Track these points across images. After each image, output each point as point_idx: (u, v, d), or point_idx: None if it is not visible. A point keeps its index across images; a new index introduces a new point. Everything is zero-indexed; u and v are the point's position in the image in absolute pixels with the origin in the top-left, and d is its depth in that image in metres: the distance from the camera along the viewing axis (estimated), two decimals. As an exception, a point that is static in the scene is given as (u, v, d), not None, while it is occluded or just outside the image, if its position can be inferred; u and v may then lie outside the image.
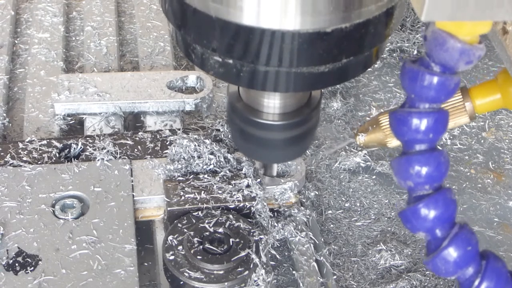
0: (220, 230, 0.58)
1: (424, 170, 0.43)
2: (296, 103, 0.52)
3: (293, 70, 0.42)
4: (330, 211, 0.68)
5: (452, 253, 0.44)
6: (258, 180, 0.63)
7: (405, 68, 0.42)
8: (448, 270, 0.44)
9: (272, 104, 0.51)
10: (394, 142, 0.63)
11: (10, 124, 0.74)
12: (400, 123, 0.43)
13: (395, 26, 0.44)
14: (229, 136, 0.67)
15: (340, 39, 0.41)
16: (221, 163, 0.64)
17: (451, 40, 0.39)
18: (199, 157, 0.64)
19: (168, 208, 0.60)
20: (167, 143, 0.67)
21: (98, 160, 0.64)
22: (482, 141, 0.77)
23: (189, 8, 0.42)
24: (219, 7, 0.40)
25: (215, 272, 0.55)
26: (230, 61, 0.43)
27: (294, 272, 0.60)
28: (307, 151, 0.73)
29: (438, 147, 0.44)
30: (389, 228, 0.66)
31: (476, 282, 0.44)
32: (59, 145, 0.66)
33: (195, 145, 0.64)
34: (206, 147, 0.64)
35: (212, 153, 0.64)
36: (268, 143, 0.54)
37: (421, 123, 0.42)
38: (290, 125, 0.52)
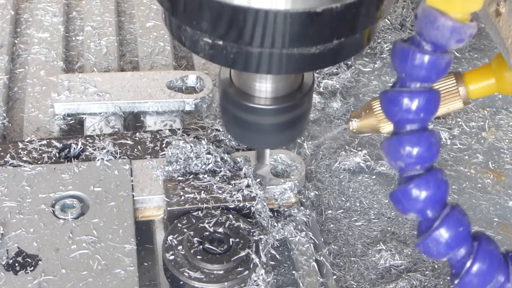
0: (220, 230, 0.58)
1: (415, 151, 0.42)
2: (288, 87, 0.51)
3: (283, 51, 0.42)
4: (330, 211, 0.68)
5: (443, 233, 0.43)
6: (258, 180, 0.63)
7: (395, 47, 0.41)
8: (440, 251, 0.43)
9: (264, 88, 0.51)
10: (387, 128, 0.62)
11: (10, 124, 0.74)
12: (391, 103, 0.42)
13: (387, 8, 0.43)
14: (229, 136, 0.67)
15: (331, 20, 0.40)
16: (219, 163, 0.64)
17: (442, 18, 0.38)
18: (197, 157, 0.64)
19: (168, 208, 0.60)
20: (164, 145, 0.67)
21: (98, 160, 0.64)
22: (482, 141, 0.77)
23: None
24: None
25: (215, 272, 0.55)
26: (220, 42, 0.43)
27: (294, 272, 0.60)
28: (307, 151, 0.73)
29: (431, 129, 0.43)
30: (389, 228, 0.66)
31: (468, 264, 0.44)
32: (59, 145, 0.66)
33: (191, 146, 0.64)
34: (203, 147, 0.64)
35: (209, 153, 0.64)
36: (261, 128, 0.53)
37: (412, 103, 0.41)
38: (282, 109, 0.51)
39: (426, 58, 0.40)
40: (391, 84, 0.84)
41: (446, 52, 0.40)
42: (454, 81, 0.59)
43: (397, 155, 0.43)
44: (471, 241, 0.44)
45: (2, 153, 0.65)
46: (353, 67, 0.83)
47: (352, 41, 0.44)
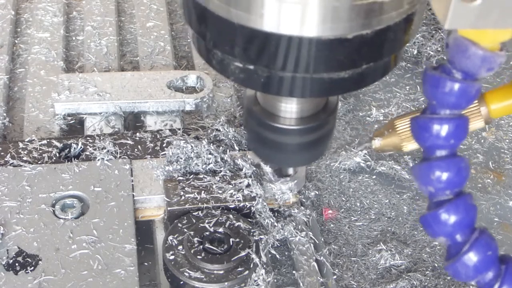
0: (220, 230, 0.58)
1: (444, 176, 0.43)
2: (313, 108, 0.52)
3: (313, 75, 0.43)
4: (330, 211, 0.68)
5: (472, 257, 0.44)
6: (258, 180, 0.63)
7: (426, 75, 0.42)
8: (468, 274, 0.45)
9: (290, 109, 0.52)
10: (409, 146, 0.63)
11: (10, 124, 0.74)
12: (422, 129, 0.43)
13: (414, 33, 0.44)
14: (229, 136, 0.67)
15: (361, 45, 0.41)
16: (219, 163, 0.64)
17: (473, 48, 0.39)
18: (197, 157, 0.64)
19: (168, 208, 0.60)
20: (164, 145, 0.67)
21: (98, 160, 0.64)
22: (482, 141, 0.77)
23: (211, 14, 0.42)
24: (241, 13, 0.40)
25: (215, 272, 0.55)
26: (251, 66, 0.43)
27: (294, 272, 0.60)
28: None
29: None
30: (389, 228, 0.66)
31: (496, 286, 0.45)
32: (59, 145, 0.66)
33: (192, 146, 0.64)
34: (203, 146, 0.64)
35: (210, 153, 0.64)
36: (284, 147, 0.54)
37: (442, 129, 0.43)
38: (307, 130, 0.52)
39: (457, 86, 0.41)
40: (391, 84, 0.85)
41: (476, 80, 0.41)
42: (476, 101, 0.60)
43: (427, 180, 0.44)
44: (498, 264, 0.45)
45: (2, 153, 0.65)
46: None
47: (381, 65, 0.44)
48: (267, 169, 0.63)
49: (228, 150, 0.65)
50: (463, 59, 0.40)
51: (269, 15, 0.40)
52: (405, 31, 0.43)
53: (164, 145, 0.67)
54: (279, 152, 0.55)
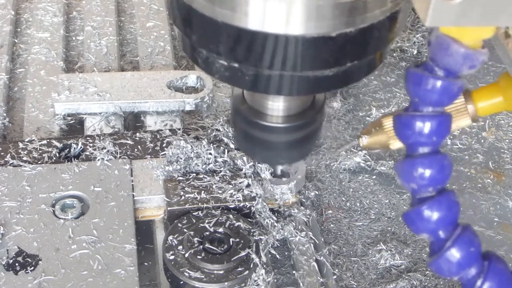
0: (220, 230, 0.58)
1: (427, 173, 0.44)
2: (300, 105, 0.52)
3: (298, 74, 0.43)
4: (330, 211, 0.68)
5: (455, 254, 0.44)
6: (258, 180, 0.63)
7: (409, 72, 0.42)
8: (451, 270, 0.45)
9: (277, 107, 0.52)
10: (396, 144, 0.63)
11: (10, 124, 0.74)
12: (404, 126, 0.44)
13: (399, 31, 0.44)
14: (229, 136, 0.67)
15: (345, 44, 0.41)
16: (219, 163, 0.64)
17: (455, 45, 0.39)
18: (197, 157, 0.64)
19: (168, 208, 0.60)
20: (164, 145, 0.67)
21: (98, 160, 0.64)
22: (482, 141, 0.77)
23: (195, 13, 0.42)
24: (225, 12, 0.40)
25: (215, 272, 0.55)
26: (236, 64, 0.43)
27: (294, 272, 0.60)
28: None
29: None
30: (389, 228, 0.66)
31: (479, 283, 0.45)
32: (59, 145, 0.66)
33: (191, 146, 0.64)
34: (203, 146, 0.64)
35: (209, 153, 0.64)
36: (272, 145, 0.54)
37: (425, 126, 0.43)
38: (294, 128, 0.52)
39: (439, 83, 0.41)
40: (391, 84, 0.85)
41: (458, 77, 0.41)
42: (463, 99, 0.60)
43: (410, 177, 0.44)
44: (481, 260, 0.45)
45: (2, 153, 0.65)
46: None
47: (365, 63, 0.44)
48: (267, 173, 0.63)
49: (226, 150, 0.66)
50: (445, 57, 0.40)
51: (254, 13, 0.40)
52: (390, 29, 0.43)
53: (164, 145, 0.67)
54: (267, 150, 0.55)
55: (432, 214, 0.44)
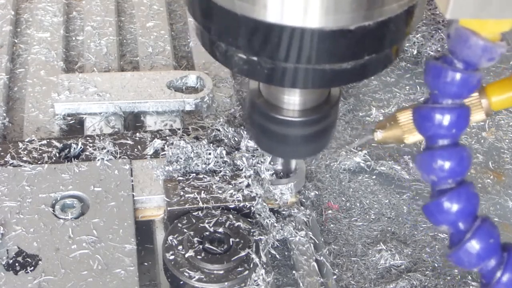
0: (220, 230, 0.58)
1: (447, 165, 0.44)
2: (316, 99, 0.53)
3: (315, 66, 0.43)
4: (330, 211, 0.68)
5: (475, 245, 0.45)
6: (258, 180, 0.63)
7: (428, 65, 0.43)
8: (471, 262, 0.45)
9: (293, 101, 0.52)
10: (411, 138, 0.64)
11: (10, 124, 0.74)
12: (424, 118, 0.44)
13: (415, 24, 0.45)
14: (229, 136, 0.67)
15: (363, 37, 0.41)
16: (219, 163, 0.64)
17: (474, 38, 0.40)
18: (197, 157, 0.64)
19: (168, 208, 0.60)
20: (164, 145, 0.67)
21: (98, 160, 0.64)
22: (482, 141, 0.77)
23: (214, 6, 0.42)
24: (244, 4, 0.40)
25: (215, 272, 0.55)
26: (255, 58, 0.43)
27: (294, 272, 0.60)
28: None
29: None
30: (389, 228, 0.66)
31: (498, 274, 0.45)
32: (59, 145, 0.66)
33: (191, 146, 0.64)
34: (203, 146, 0.64)
35: (209, 153, 0.64)
36: (288, 139, 0.54)
37: (444, 119, 0.43)
38: (310, 122, 0.53)
39: (458, 75, 0.42)
40: (391, 84, 0.85)
41: (477, 69, 0.41)
42: (477, 93, 0.60)
43: (430, 169, 0.45)
44: (501, 252, 0.46)
45: (2, 153, 0.65)
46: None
47: (382, 57, 0.45)
48: (266, 174, 0.63)
49: (230, 151, 0.66)
50: (464, 49, 0.41)
51: (273, 6, 0.40)
52: (406, 23, 0.43)
53: (164, 145, 0.67)
54: (282, 144, 0.55)
55: (452, 206, 0.44)
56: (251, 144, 0.64)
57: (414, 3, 0.43)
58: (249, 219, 0.60)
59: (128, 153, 0.66)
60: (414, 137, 0.62)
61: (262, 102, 0.53)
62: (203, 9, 0.44)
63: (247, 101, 0.55)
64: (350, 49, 0.42)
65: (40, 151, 0.65)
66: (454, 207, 0.44)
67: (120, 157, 0.65)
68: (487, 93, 0.60)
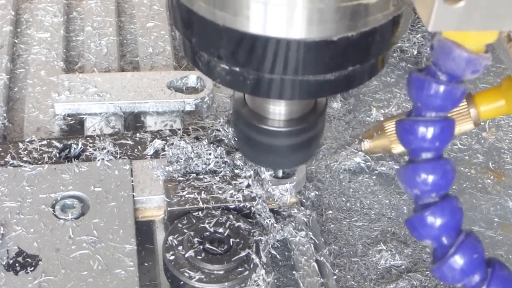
0: (220, 230, 0.58)
1: (430, 178, 0.43)
2: (302, 109, 0.52)
3: (299, 78, 0.43)
4: (330, 211, 0.68)
5: (458, 260, 0.44)
6: (259, 180, 0.63)
7: (411, 77, 0.42)
8: (455, 277, 0.44)
9: (278, 111, 0.52)
10: (398, 148, 0.63)
11: (10, 124, 0.74)
12: (407, 131, 0.43)
13: (400, 34, 0.44)
14: (229, 136, 0.67)
15: (346, 48, 0.41)
16: (219, 163, 0.64)
17: (458, 50, 0.39)
18: (197, 158, 0.64)
19: (168, 208, 0.60)
20: (165, 146, 0.67)
21: (98, 160, 0.64)
22: (482, 141, 0.77)
23: (196, 16, 0.42)
24: (226, 15, 0.40)
25: (215, 272, 0.55)
26: (237, 69, 0.43)
27: (294, 272, 0.60)
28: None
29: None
30: (389, 228, 0.66)
31: None
32: (59, 145, 0.66)
33: (192, 147, 0.64)
34: (204, 146, 0.64)
35: (209, 153, 0.64)
36: (274, 149, 0.54)
37: (428, 132, 0.42)
38: (296, 132, 0.52)
39: (442, 88, 0.41)
40: (391, 84, 0.85)
41: (461, 82, 0.41)
42: (465, 103, 0.60)
43: (413, 183, 0.44)
44: (485, 267, 0.45)
45: (2, 153, 0.65)
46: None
47: (367, 67, 0.44)
48: (266, 174, 0.63)
49: (230, 151, 0.66)
50: (447, 61, 0.40)
51: (255, 17, 0.40)
52: (392, 33, 0.43)
53: (164, 145, 0.67)
54: (268, 154, 0.55)
55: (435, 221, 0.44)
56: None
57: (399, 13, 0.42)
58: (249, 220, 0.60)
59: (128, 153, 0.66)
60: (401, 147, 0.62)
61: (247, 112, 0.53)
62: (184, 19, 0.44)
63: (232, 110, 0.55)
64: (333, 60, 0.42)
65: (40, 151, 0.65)
66: (438, 222, 0.43)
67: (120, 157, 0.65)
68: (475, 102, 0.59)
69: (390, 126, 0.63)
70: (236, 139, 0.58)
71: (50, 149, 0.66)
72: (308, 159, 0.58)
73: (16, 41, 0.86)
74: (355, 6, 0.39)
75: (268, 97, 0.46)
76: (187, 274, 0.55)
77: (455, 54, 0.39)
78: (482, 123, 0.78)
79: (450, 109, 0.42)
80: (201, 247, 0.57)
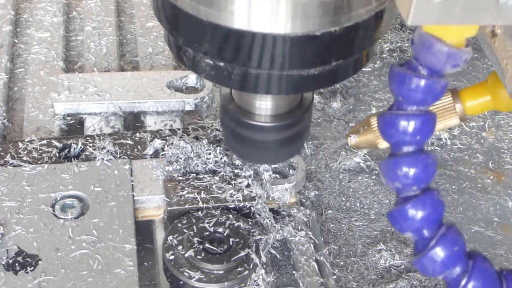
0: (220, 230, 0.58)
1: (411, 172, 0.43)
2: (288, 104, 0.52)
3: (283, 73, 0.43)
4: (330, 211, 0.68)
5: (439, 253, 0.44)
6: (258, 180, 0.63)
7: (392, 71, 0.42)
8: (435, 270, 0.44)
9: (264, 106, 0.52)
10: (384, 144, 0.63)
11: (10, 124, 0.74)
12: (388, 125, 0.43)
13: (384, 29, 0.44)
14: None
15: (329, 42, 0.41)
16: (219, 163, 0.64)
17: (438, 44, 0.39)
18: (197, 157, 0.64)
19: (168, 208, 0.60)
20: (164, 145, 0.67)
21: (98, 160, 0.64)
22: (482, 141, 0.77)
23: (180, 11, 0.42)
24: (209, 11, 0.40)
25: (215, 272, 0.55)
26: (221, 64, 0.43)
27: (294, 272, 0.60)
28: (307, 151, 0.73)
29: (433, 148, 0.44)
30: (389, 228, 0.66)
31: (463, 282, 0.45)
32: (59, 145, 0.66)
33: (191, 147, 0.64)
34: (203, 146, 0.64)
35: (209, 153, 0.64)
36: (260, 144, 0.54)
37: (409, 125, 0.42)
38: (282, 127, 0.52)
39: (423, 82, 0.41)
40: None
41: (442, 76, 0.41)
42: (451, 98, 0.60)
43: (394, 176, 0.44)
44: (466, 260, 0.45)
45: (2, 153, 0.65)
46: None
47: (351, 62, 0.44)
48: (266, 174, 0.63)
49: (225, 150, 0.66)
50: (428, 56, 0.40)
51: (239, 12, 0.40)
52: (375, 28, 0.43)
53: (164, 145, 0.67)
54: (254, 149, 0.55)
55: (416, 213, 0.44)
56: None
57: (382, 8, 0.42)
58: (249, 219, 0.60)
59: (128, 153, 0.66)
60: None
61: (234, 108, 0.53)
62: (168, 14, 0.44)
63: (219, 106, 0.55)
64: (316, 55, 0.42)
65: (40, 151, 0.65)
66: (419, 214, 0.44)
67: (120, 157, 0.65)
68: (461, 98, 0.59)
69: (376, 122, 0.63)
70: (223, 135, 0.58)
71: (50, 149, 0.66)
72: (293, 155, 0.58)
73: (16, 40, 0.86)
74: (338, 1, 0.39)
75: (252, 91, 0.46)
76: (186, 274, 0.55)
77: (435, 49, 0.39)
78: (481, 123, 0.79)
79: (431, 103, 0.42)
80: (201, 246, 0.57)
